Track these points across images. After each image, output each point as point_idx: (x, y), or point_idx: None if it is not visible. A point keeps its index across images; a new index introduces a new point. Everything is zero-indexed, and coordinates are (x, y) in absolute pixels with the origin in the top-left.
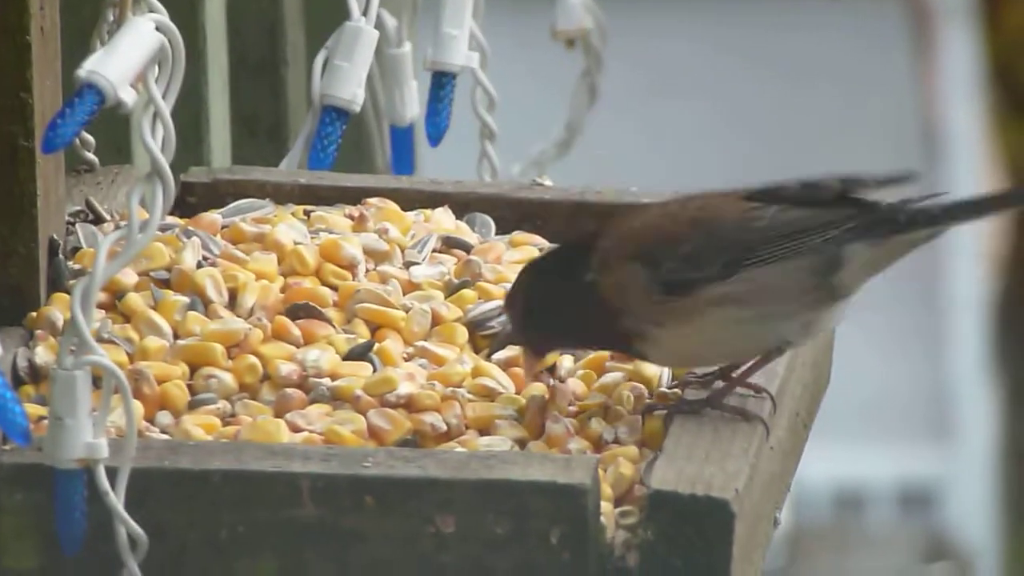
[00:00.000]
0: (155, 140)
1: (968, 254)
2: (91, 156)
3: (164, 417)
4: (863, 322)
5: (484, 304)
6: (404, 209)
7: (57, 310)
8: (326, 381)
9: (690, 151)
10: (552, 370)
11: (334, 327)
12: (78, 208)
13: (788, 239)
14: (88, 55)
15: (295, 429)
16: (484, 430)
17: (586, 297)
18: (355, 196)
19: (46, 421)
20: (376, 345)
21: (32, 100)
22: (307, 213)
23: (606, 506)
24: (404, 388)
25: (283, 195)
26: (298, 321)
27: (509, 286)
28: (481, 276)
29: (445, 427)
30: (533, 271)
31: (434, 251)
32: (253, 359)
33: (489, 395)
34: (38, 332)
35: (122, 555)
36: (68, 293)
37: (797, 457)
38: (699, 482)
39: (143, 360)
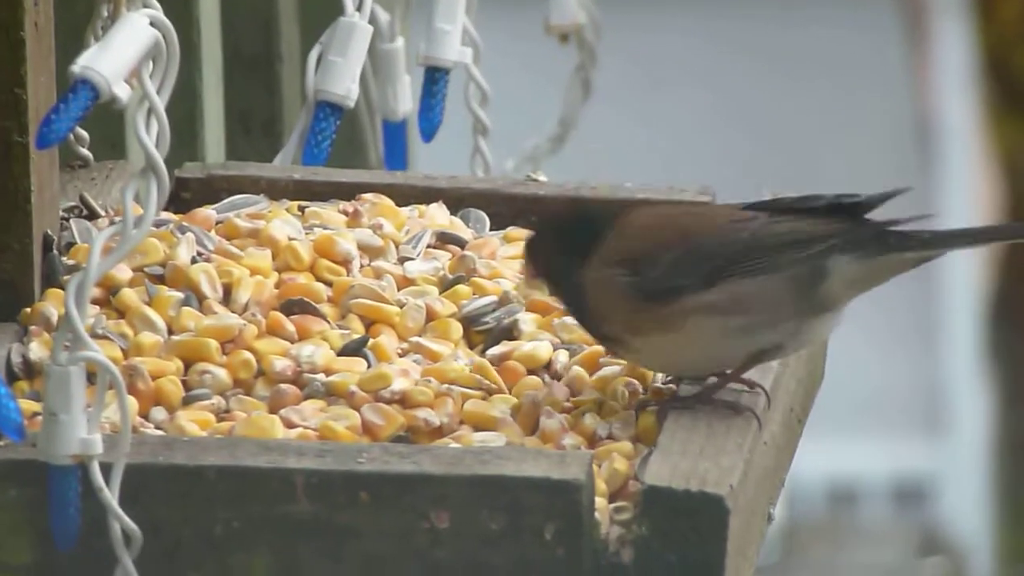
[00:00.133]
0: (149, 135)
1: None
2: (85, 152)
3: (158, 413)
4: (858, 318)
5: (478, 300)
6: (398, 204)
7: (51, 306)
8: (320, 377)
9: (686, 145)
10: (547, 366)
11: (328, 323)
12: (72, 204)
13: (772, 251)
14: (82, 51)
15: (289, 425)
16: (478, 426)
17: (578, 294)
18: (349, 192)
19: (40, 417)
20: (370, 341)
21: (26, 96)
22: (301, 209)
23: (600, 502)
24: (398, 384)
25: (277, 191)
26: (292, 317)
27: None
28: (476, 272)
29: (438, 423)
30: (551, 240)
31: (428, 247)
32: (247, 355)
33: (483, 391)
34: (32, 328)
35: (116, 551)
36: (62, 289)
37: (791, 452)
38: (693, 477)
39: (137, 356)
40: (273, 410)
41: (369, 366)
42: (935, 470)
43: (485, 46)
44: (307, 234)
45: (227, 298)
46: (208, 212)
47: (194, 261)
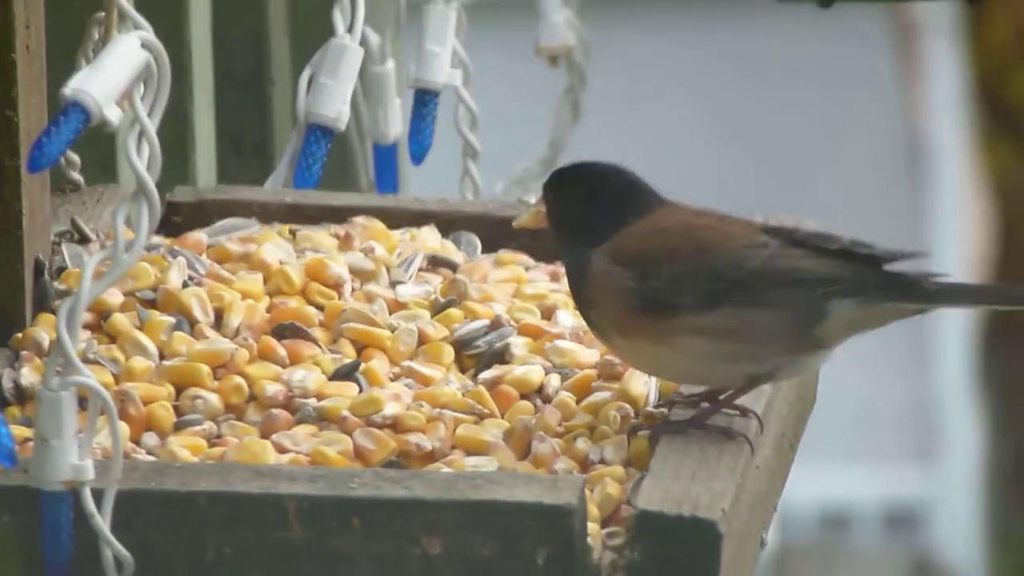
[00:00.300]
0: (141, 159)
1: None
2: (77, 175)
3: (150, 438)
4: (849, 343)
5: (470, 323)
6: (390, 228)
7: (43, 331)
8: (312, 401)
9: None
10: (539, 390)
11: (320, 347)
12: (64, 228)
13: (778, 285)
14: (73, 73)
15: (281, 450)
16: (470, 450)
17: (581, 271)
18: (341, 215)
19: (32, 442)
20: (362, 365)
21: (17, 118)
22: (293, 232)
23: (593, 527)
24: (390, 408)
25: (269, 214)
26: (284, 341)
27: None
28: (467, 295)
29: (430, 447)
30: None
31: (420, 270)
32: (239, 379)
33: (475, 415)
34: (24, 353)
35: None
36: (54, 313)
37: (784, 477)
38: (686, 502)
39: (129, 381)
40: (265, 435)
41: (361, 390)
42: (927, 495)
43: (475, 68)
44: (298, 257)
45: (218, 322)
46: (199, 236)
47: (185, 285)
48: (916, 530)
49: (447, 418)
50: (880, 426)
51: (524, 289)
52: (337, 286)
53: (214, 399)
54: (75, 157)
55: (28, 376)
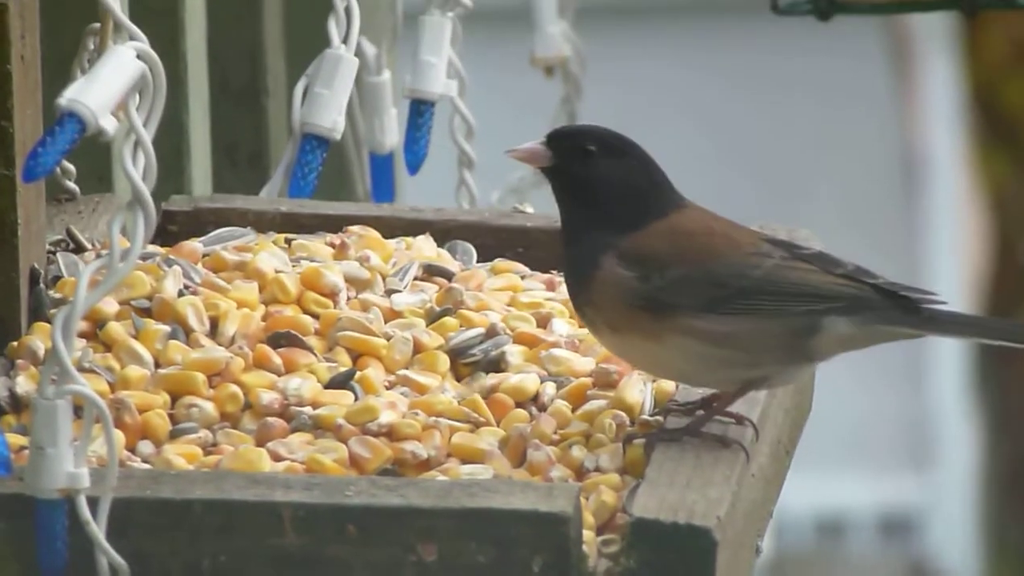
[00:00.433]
0: (136, 168)
1: (950, 283)
2: (72, 185)
3: (146, 446)
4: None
5: (466, 332)
6: (385, 237)
7: (38, 339)
8: (308, 410)
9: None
10: (534, 398)
11: (315, 355)
12: (59, 237)
13: (779, 296)
14: (69, 83)
15: (277, 458)
16: (466, 458)
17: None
18: (336, 224)
19: (27, 451)
20: (358, 373)
21: (13, 129)
22: (288, 241)
23: (588, 534)
24: (386, 416)
25: (264, 223)
26: (279, 349)
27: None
28: (463, 304)
29: (426, 455)
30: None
31: (416, 279)
32: (234, 388)
33: (471, 423)
34: (19, 361)
35: None
36: (49, 322)
37: (779, 484)
38: (681, 510)
39: (124, 389)
40: (260, 443)
41: (356, 399)
42: (922, 503)
43: (471, 79)
44: (294, 267)
45: (214, 331)
46: (195, 245)
47: (181, 294)
48: (912, 538)
49: (443, 426)
50: (875, 433)
51: (520, 298)
52: (333, 295)
53: (210, 407)
54: (71, 167)
55: (24, 385)
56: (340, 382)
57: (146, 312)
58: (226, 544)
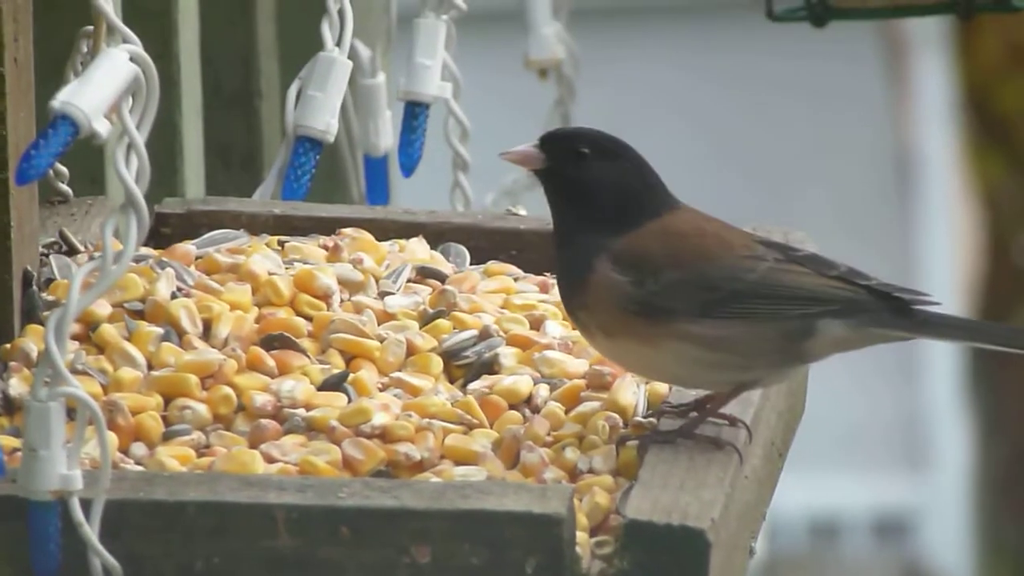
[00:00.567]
0: (129, 171)
1: (944, 284)
2: (65, 187)
3: (139, 448)
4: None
5: (459, 334)
6: (379, 239)
7: (31, 341)
8: (301, 412)
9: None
10: (528, 400)
11: (309, 357)
12: (52, 239)
13: (773, 299)
14: (62, 86)
15: (270, 460)
16: (459, 460)
17: (582, 267)
18: (329, 226)
19: (20, 453)
20: (351, 375)
21: (6, 131)
22: (281, 243)
23: (581, 536)
24: (379, 418)
25: (257, 225)
26: (273, 352)
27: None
28: (456, 306)
29: (419, 457)
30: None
31: (409, 281)
32: (228, 390)
33: (464, 425)
34: (12, 364)
35: None
36: (42, 324)
37: (772, 486)
38: (675, 511)
39: (117, 391)
40: (253, 445)
41: (349, 401)
42: (916, 504)
43: (465, 81)
44: (287, 269)
45: (207, 333)
46: (188, 247)
47: (174, 296)
48: (906, 539)
49: (436, 428)
50: (869, 434)
51: (513, 300)
52: (326, 297)
53: (202, 409)
54: (63, 169)
55: (17, 387)
56: (333, 384)
57: (139, 314)
58: (219, 546)
